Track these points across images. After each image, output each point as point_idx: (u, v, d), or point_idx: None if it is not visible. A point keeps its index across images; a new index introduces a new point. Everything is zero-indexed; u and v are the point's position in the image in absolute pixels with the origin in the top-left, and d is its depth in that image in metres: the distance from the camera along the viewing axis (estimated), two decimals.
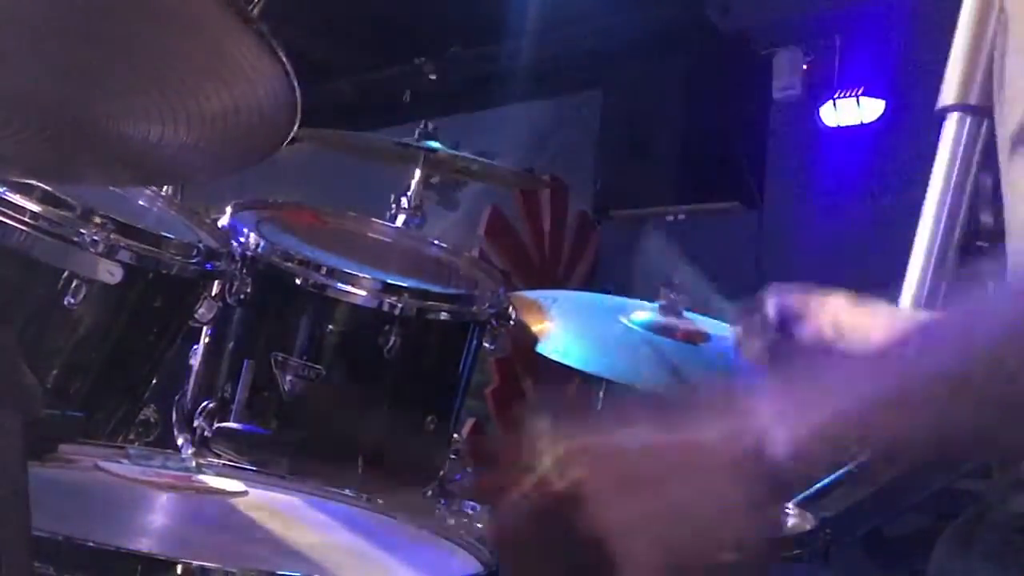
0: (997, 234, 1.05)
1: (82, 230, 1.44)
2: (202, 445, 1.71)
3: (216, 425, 1.69)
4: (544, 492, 0.73)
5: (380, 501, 1.41)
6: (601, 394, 4.72)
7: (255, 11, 0.82)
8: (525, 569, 0.78)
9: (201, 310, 1.64)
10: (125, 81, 0.88)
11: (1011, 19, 1.00)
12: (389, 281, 1.75)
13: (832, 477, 2.26)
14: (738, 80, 4.96)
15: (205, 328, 1.77)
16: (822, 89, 4.74)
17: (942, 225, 2.42)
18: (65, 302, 1.45)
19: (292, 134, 0.93)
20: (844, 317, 1.67)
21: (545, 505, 0.73)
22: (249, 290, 1.70)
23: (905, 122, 4.40)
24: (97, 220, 1.45)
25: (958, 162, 2.33)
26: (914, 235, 2.51)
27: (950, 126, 2.32)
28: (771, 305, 1.69)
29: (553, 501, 0.72)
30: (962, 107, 2.27)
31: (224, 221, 1.78)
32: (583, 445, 0.75)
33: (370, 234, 2.08)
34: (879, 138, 4.62)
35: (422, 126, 2.40)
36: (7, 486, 0.79)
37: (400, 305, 1.73)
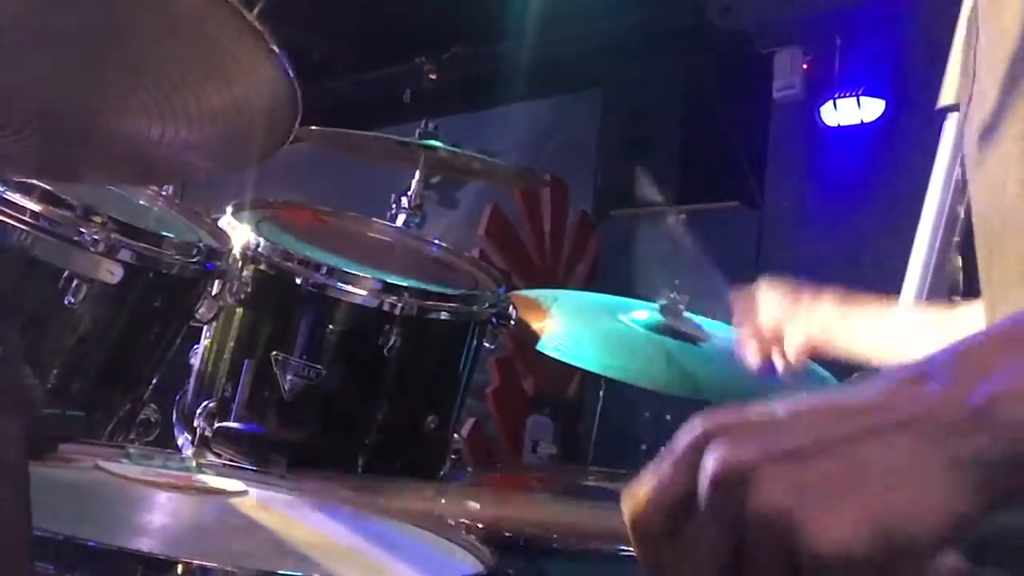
0: None
1: (82, 229, 1.44)
2: (202, 445, 1.71)
3: (216, 425, 1.69)
4: (684, 475, 0.62)
5: (380, 501, 1.41)
6: (601, 394, 4.72)
7: (255, 11, 0.82)
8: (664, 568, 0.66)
9: (201, 310, 1.64)
10: (125, 80, 0.88)
11: (981, 13, 1.00)
12: (389, 281, 1.75)
13: None
14: (738, 80, 4.97)
15: (205, 328, 1.77)
16: (822, 89, 4.74)
17: (942, 224, 2.42)
18: (65, 302, 1.45)
19: (292, 133, 0.93)
20: (832, 323, 1.67)
21: (685, 492, 0.62)
22: (249, 290, 1.70)
23: (905, 122, 4.41)
24: (97, 220, 1.45)
25: (958, 161, 2.33)
26: (914, 234, 2.51)
27: (950, 125, 2.32)
28: (762, 311, 1.69)
29: (698, 488, 0.61)
30: None
31: (224, 221, 1.78)
32: (727, 417, 0.64)
33: (370, 234, 2.08)
34: (879, 138, 4.62)
35: (422, 125, 2.40)
36: (8, 486, 0.79)
37: (400, 305, 1.73)
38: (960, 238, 2.41)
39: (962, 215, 2.41)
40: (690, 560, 0.63)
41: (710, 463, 0.61)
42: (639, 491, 0.65)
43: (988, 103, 0.96)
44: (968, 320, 1.50)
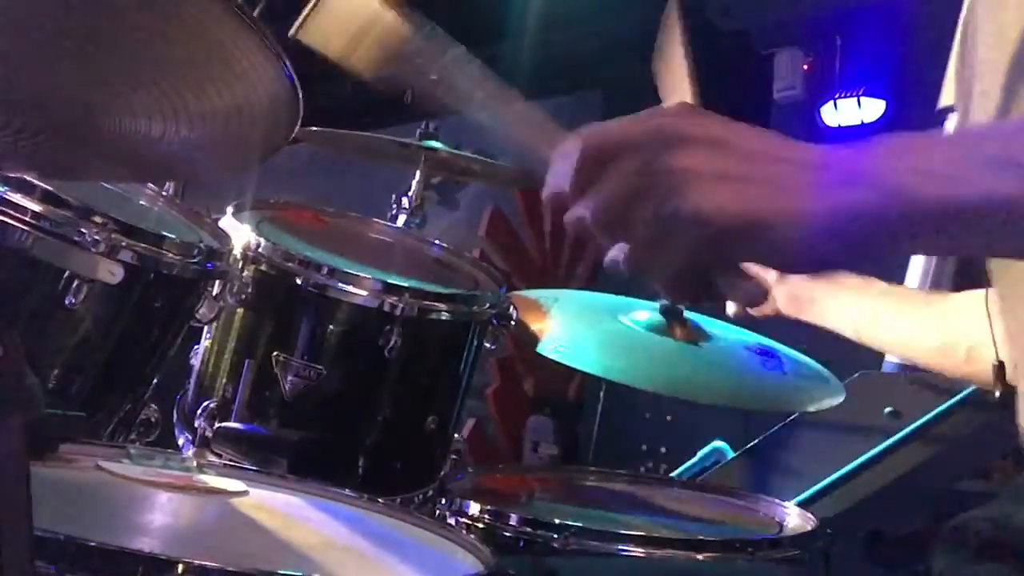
0: None
1: (83, 230, 1.44)
2: (203, 445, 1.71)
3: (217, 425, 1.69)
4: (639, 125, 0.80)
5: (380, 501, 1.41)
6: (602, 395, 4.71)
7: (257, 12, 0.82)
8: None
9: (202, 310, 1.64)
10: (127, 80, 0.88)
11: (982, 13, 1.00)
12: (390, 281, 1.75)
13: (832, 477, 2.26)
14: (738, 81, 4.96)
15: (206, 328, 1.77)
16: (823, 89, 4.74)
17: None
18: (66, 302, 1.45)
19: (293, 134, 0.93)
20: (802, 291, 1.70)
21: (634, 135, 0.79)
22: (250, 290, 1.70)
23: (906, 122, 4.40)
24: (98, 220, 1.45)
25: None
26: None
27: (951, 126, 2.32)
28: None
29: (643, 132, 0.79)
30: None
31: (225, 221, 1.78)
32: (691, 114, 0.83)
33: (371, 234, 2.08)
34: None
35: (423, 126, 2.39)
36: (8, 486, 0.79)
37: (401, 305, 1.73)
38: None
39: None
40: (602, 189, 0.80)
41: (655, 122, 0.80)
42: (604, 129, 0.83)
43: (991, 103, 0.96)
44: (956, 308, 1.51)
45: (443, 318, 1.80)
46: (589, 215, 0.82)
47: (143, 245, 1.51)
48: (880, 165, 0.77)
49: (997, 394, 1.21)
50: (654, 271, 0.81)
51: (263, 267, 1.74)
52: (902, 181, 0.75)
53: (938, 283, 2.46)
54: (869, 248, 0.77)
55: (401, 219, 2.30)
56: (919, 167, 0.76)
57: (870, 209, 0.75)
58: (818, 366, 2.08)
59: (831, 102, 4.69)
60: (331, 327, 1.75)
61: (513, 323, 1.88)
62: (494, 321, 1.85)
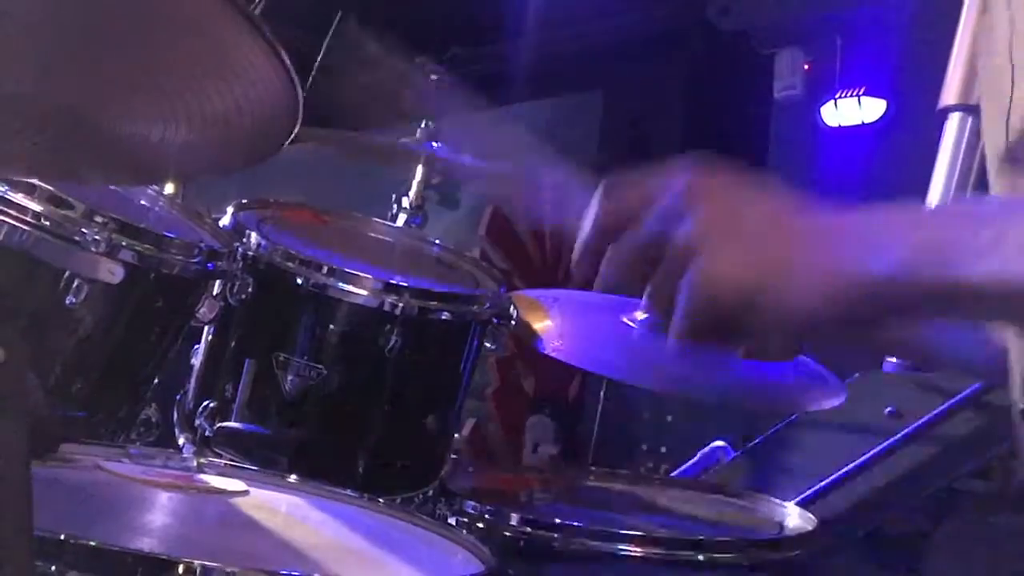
0: None
1: (83, 230, 1.44)
2: (203, 445, 1.71)
3: (217, 425, 1.69)
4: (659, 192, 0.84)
5: (380, 501, 1.41)
6: (602, 394, 4.71)
7: (257, 10, 0.82)
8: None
9: (202, 310, 1.64)
10: (126, 80, 0.88)
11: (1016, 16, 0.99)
12: (390, 281, 1.75)
13: (832, 477, 2.26)
14: (738, 80, 4.96)
15: (206, 328, 1.77)
16: (823, 89, 4.74)
17: None
18: (66, 302, 1.45)
19: (293, 134, 0.93)
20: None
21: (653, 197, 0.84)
22: (250, 290, 1.70)
23: (907, 122, 4.40)
24: (98, 220, 1.45)
25: (959, 161, 2.33)
26: None
27: (951, 126, 2.32)
28: None
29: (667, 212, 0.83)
30: (963, 107, 2.28)
31: (225, 221, 1.78)
32: (709, 176, 0.86)
33: (371, 234, 2.08)
34: (880, 138, 4.62)
35: (423, 126, 2.39)
36: (9, 486, 0.79)
37: (401, 305, 1.73)
38: None
39: None
40: (624, 250, 0.87)
41: (676, 183, 0.84)
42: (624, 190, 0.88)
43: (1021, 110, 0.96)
44: None
45: (443, 318, 1.80)
46: (613, 267, 0.90)
47: (143, 245, 1.51)
48: (887, 239, 0.79)
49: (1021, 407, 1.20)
50: (677, 322, 0.88)
51: (263, 267, 1.74)
52: (908, 258, 0.77)
53: None
54: (868, 320, 0.82)
55: (401, 219, 2.30)
56: (925, 244, 0.78)
57: (874, 283, 0.78)
58: (818, 366, 2.07)
59: (831, 102, 4.69)
60: (331, 327, 1.75)
61: (513, 323, 1.88)
62: (494, 321, 1.85)
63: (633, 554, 1.52)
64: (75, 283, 1.45)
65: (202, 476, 1.35)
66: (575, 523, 1.56)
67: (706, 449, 2.53)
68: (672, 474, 2.73)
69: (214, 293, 1.64)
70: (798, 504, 1.91)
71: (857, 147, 4.68)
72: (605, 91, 5.35)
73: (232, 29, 0.82)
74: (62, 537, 0.94)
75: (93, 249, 1.44)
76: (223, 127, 0.91)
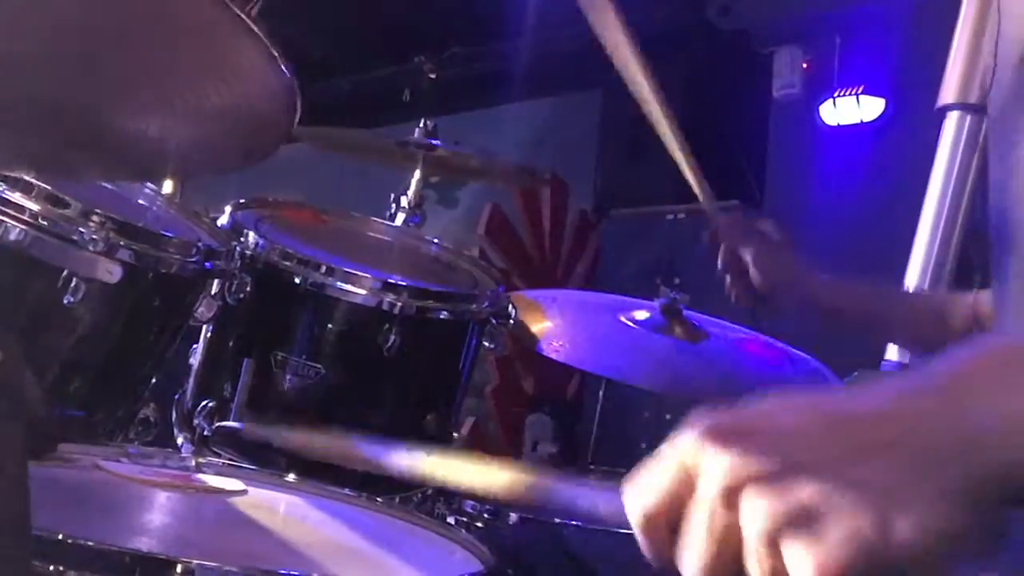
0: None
1: (81, 229, 1.43)
2: (202, 444, 1.70)
3: (216, 424, 1.69)
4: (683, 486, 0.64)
5: (380, 500, 1.41)
6: (601, 394, 4.71)
7: (254, 10, 0.82)
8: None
9: (201, 309, 1.64)
10: (125, 78, 0.88)
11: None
12: (389, 280, 1.75)
13: None
14: (738, 80, 4.96)
15: (205, 327, 1.77)
16: (822, 88, 4.74)
17: (942, 223, 2.42)
18: (64, 301, 1.44)
19: (291, 132, 0.93)
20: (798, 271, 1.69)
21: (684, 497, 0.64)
22: (249, 289, 1.70)
23: (905, 120, 4.40)
24: (96, 219, 1.44)
25: (958, 160, 2.34)
26: (915, 233, 2.51)
27: (950, 124, 2.33)
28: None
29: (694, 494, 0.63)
30: (962, 106, 2.28)
31: (224, 220, 1.78)
32: (724, 426, 0.64)
33: (370, 233, 2.08)
34: (879, 136, 4.62)
35: (422, 125, 2.39)
36: (7, 486, 0.79)
37: (400, 304, 1.73)
38: (959, 236, 2.41)
39: (963, 214, 2.41)
40: (696, 557, 0.64)
41: (703, 482, 0.63)
42: (641, 494, 0.68)
43: None
44: (957, 308, 1.50)
45: (442, 317, 1.80)
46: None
47: (141, 244, 1.51)
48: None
49: None
50: None
51: (261, 266, 1.73)
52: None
53: (937, 283, 2.46)
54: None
55: (400, 218, 2.30)
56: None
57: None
58: (818, 366, 2.07)
59: (830, 100, 4.69)
60: (330, 326, 1.75)
61: (512, 322, 1.88)
62: (493, 320, 1.85)
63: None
64: (73, 282, 1.44)
65: (200, 476, 1.35)
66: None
67: None
68: None
69: (212, 292, 1.64)
70: None
71: (856, 146, 4.68)
72: (605, 91, 5.35)
73: (231, 28, 0.82)
74: (60, 537, 0.94)
75: (91, 248, 1.44)
76: (222, 125, 0.91)
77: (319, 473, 1.47)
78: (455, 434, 1.90)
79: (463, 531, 1.35)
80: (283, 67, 0.83)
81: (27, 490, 0.80)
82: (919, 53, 4.11)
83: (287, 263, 1.74)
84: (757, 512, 0.60)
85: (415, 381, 1.81)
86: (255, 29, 0.81)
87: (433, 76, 5.77)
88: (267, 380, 1.72)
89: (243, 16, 0.80)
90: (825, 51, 4.73)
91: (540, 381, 5.19)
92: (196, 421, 1.72)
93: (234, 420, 1.69)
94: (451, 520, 1.62)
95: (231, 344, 1.77)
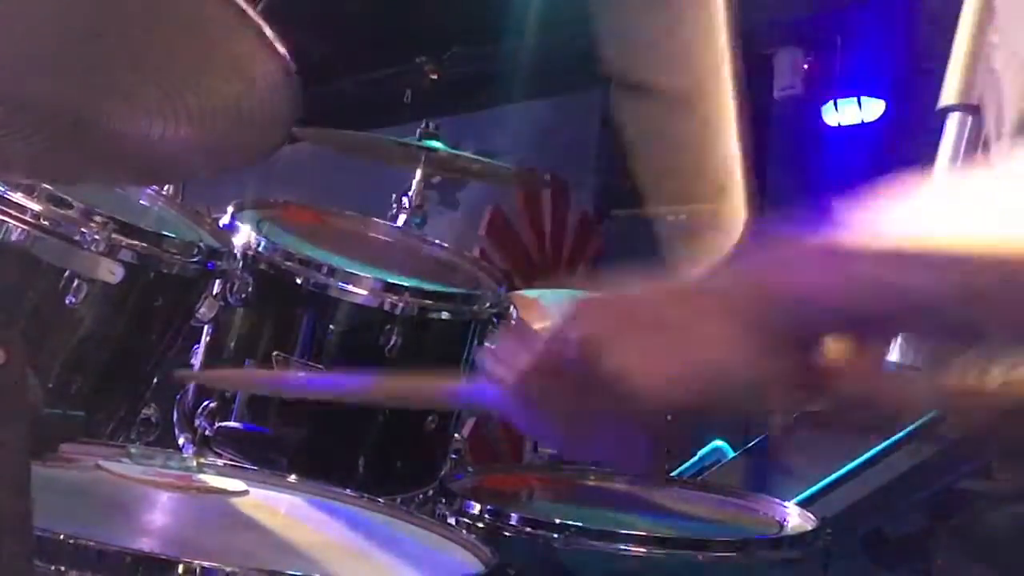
0: None
1: (83, 229, 1.44)
2: (203, 445, 1.71)
3: (217, 425, 1.70)
4: (558, 345, 0.77)
5: (380, 501, 1.41)
6: None
7: (256, 10, 0.82)
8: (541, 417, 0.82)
9: (202, 309, 1.64)
10: (125, 79, 0.88)
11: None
12: (390, 280, 1.75)
13: (832, 477, 2.26)
14: (738, 80, 4.96)
15: (206, 327, 1.77)
16: (823, 89, 4.74)
17: None
18: (66, 301, 1.45)
19: (292, 133, 0.93)
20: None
21: (559, 358, 0.77)
22: (250, 289, 1.70)
23: (906, 122, 4.40)
24: (98, 219, 1.45)
25: (959, 162, 2.33)
26: None
27: (951, 126, 2.32)
28: None
29: (567, 352, 0.77)
30: (963, 107, 2.27)
31: (225, 220, 1.78)
32: (592, 299, 0.81)
33: (371, 234, 2.08)
34: (880, 138, 4.62)
35: (423, 126, 2.40)
36: (8, 486, 0.79)
37: (401, 304, 1.73)
38: None
39: None
40: (560, 397, 0.79)
41: (576, 335, 0.77)
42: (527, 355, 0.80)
43: (1013, 107, 0.95)
44: None
45: (443, 317, 1.80)
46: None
47: (143, 245, 1.51)
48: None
49: None
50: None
51: (263, 267, 1.74)
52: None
53: None
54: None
55: (401, 218, 2.30)
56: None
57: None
58: None
59: (831, 102, 4.69)
60: (331, 326, 1.75)
61: (513, 322, 1.88)
62: (494, 320, 1.85)
63: (633, 554, 1.52)
64: (75, 283, 1.45)
65: (202, 476, 1.35)
66: (575, 522, 1.56)
67: (706, 449, 2.53)
68: (672, 474, 2.72)
69: (214, 293, 1.64)
70: (798, 504, 1.91)
71: (857, 147, 4.68)
72: (605, 91, 5.35)
73: (232, 27, 0.82)
74: (62, 537, 0.94)
75: (93, 249, 1.44)
76: (223, 125, 0.91)
77: (320, 474, 1.47)
78: (456, 435, 1.90)
79: (464, 532, 1.35)
80: (285, 67, 0.84)
81: (28, 490, 0.80)
82: (920, 54, 4.12)
83: (289, 264, 1.74)
84: (614, 352, 0.75)
85: None
86: (258, 28, 0.81)
87: (434, 77, 5.77)
88: None
89: (246, 15, 0.80)
90: (826, 52, 4.73)
91: None
92: (197, 421, 1.72)
93: (235, 420, 1.69)
94: (452, 521, 1.62)
95: (232, 344, 1.77)
